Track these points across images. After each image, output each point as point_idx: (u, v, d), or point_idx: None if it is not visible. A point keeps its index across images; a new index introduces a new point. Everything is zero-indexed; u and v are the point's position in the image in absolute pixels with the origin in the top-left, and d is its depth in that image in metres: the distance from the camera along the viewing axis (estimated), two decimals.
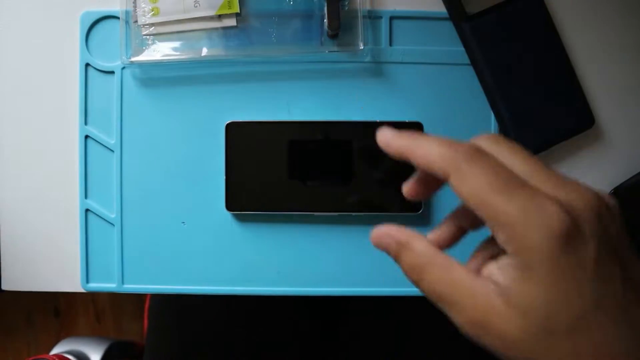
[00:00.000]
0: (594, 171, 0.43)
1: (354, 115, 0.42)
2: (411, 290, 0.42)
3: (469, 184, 0.23)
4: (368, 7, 0.41)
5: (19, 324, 1.08)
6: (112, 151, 0.42)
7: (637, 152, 0.43)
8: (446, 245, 0.28)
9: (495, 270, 0.24)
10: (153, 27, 0.40)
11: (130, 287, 0.42)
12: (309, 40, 0.41)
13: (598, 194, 0.24)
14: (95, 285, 0.42)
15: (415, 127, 0.40)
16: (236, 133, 0.40)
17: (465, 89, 0.42)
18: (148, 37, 0.41)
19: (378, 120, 0.40)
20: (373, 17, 0.41)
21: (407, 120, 0.40)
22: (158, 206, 0.42)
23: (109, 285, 0.42)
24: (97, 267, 0.42)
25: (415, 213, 0.41)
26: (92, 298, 1.09)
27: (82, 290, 0.42)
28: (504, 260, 0.23)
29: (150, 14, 0.40)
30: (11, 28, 0.42)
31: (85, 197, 0.42)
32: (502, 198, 0.22)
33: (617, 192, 0.42)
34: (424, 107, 0.42)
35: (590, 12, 0.42)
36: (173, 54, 0.40)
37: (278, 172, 0.40)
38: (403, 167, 0.40)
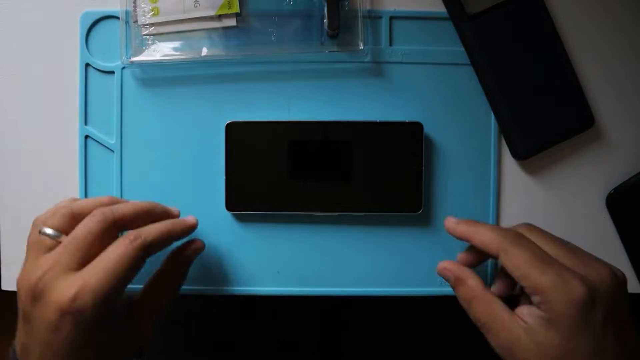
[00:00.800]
0: (594, 171, 0.43)
1: (354, 115, 0.42)
2: (411, 290, 0.42)
3: (514, 261, 0.33)
4: (368, 7, 0.41)
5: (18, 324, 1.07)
6: (112, 151, 0.42)
7: (637, 152, 0.43)
8: (509, 290, 0.37)
9: (527, 314, 0.32)
10: (153, 27, 0.40)
11: (130, 287, 0.42)
12: (309, 40, 0.41)
13: (612, 271, 0.32)
14: None
15: (415, 127, 0.40)
16: (236, 133, 0.40)
17: (465, 89, 0.42)
18: (148, 37, 0.41)
19: (378, 121, 0.40)
20: (373, 17, 0.41)
21: (407, 121, 0.40)
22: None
23: None
24: None
25: (416, 213, 0.41)
26: None
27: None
28: (535, 311, 0.32)
29: (150, 14, 0.40)
30: (11, 28, 0.42)
31: (86, 197, 0.42)
32: (538, 272, 0.32)
33: (617, 192, 0.42)
34: (424, 107, 0.42)
35: (590, 12, 0.42)
36: (173, 54, 0.40)
37: (278, 172, 0.40)
38: (403, 167, 0.40)
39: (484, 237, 0.35)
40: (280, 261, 0.42)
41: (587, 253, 0.34)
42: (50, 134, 0.42)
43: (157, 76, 0.42)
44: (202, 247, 0.39)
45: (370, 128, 0.40)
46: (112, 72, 0.42)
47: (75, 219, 0.34)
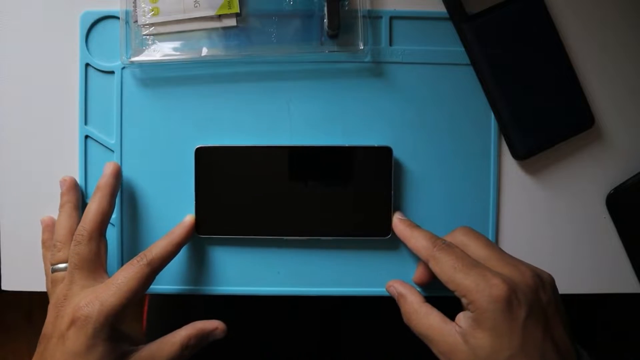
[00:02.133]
0: (595, 170, 0.43)
1: (353, 115, 0.42)
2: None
3: (440, 267, 0.35)
4: (368, 7, 0.41)
5: (18, 324, 1.07)
6: (112, 151, 0.42)
7: (637, 152, 0.43)
8: (428, 279, 0.40)
9: (462, 318, 0.34)
10: (153, 27, 0.40)
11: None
12: (309, 40, 0.41)
13: (536, 272, 0.35)
14: None
15: (385, 151, 0.40)
16: (205, 158, 0.40)
17: (465, 89, 0.42)
18: (148, 37, 0.41)
19: (347, 145, 0.40)
20: (373, 17, 0.41)
21: (377, 145, 0.40)
22: (158, 206, 0.42)
23: None
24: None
25: (384, 237, 0.41)
26: None
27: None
28: (467, 314, 0.34)
29: (150, 14, 0.40)
30: (11, 28, 0.42)
31: (85, 197, 0.42)
32: (462, 275, 0.34)
33: (617, 192, 0.42)
34: (424, 107, 0.42)
35: (590, 12, 0.42)
36: (173, 54, 0.40)
37: (247, 197, 0.40)
38: (372, 193, 0.40)
39: (416, 243, 0.38)
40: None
41: (512, 257, 0.36)
42: (50, 134, 0.42)
43: (157, 76, 0.42)
44: (224, 332, 0.40)
45: (340, 152, 0.40)
46: (112, 72, 0.42)
47: (68, 244, 0.38)
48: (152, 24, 0.40)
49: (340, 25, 0.39)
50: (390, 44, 0.42)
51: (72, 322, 0.34)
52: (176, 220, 0.42)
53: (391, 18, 0.42)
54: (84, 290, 0.36)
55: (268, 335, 0.57)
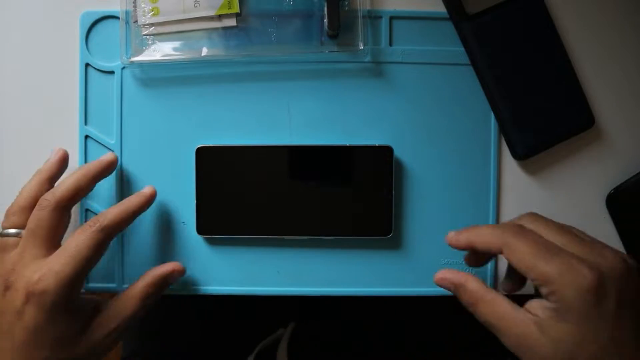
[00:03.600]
0: (595, 170, 0.43)
1: (353, 115, 0.42)
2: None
3: (517, 254, 0.31)
4: (368, 7, 0.41)
5: None
6: (112, 151, 0.42)
7: (637, 152, 0.43)
8: (514, 290, 0.37)
9: (538, 307, 0.31)
10: (153, 27, 0.40)
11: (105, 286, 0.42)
12: (309, 40, 0.41)
13: (621, 256, 0.31)
14: (95, 286, 0.42)
15: (386, 151, 0.40)
16: (206, 158, 0.40)
17: (465, 89, 0.42)
18: (148, 37, 0.41)
19: (348, 145, 0.40)
20: (373, 17, 0.41)
21: (378, 145, 0.40)
22: (158, 206, 0.42)
23: (109, 285, 0.42)
24: (97, 267, 0.42)
25: (386, 237, 0.41)
26: None
27: (82, 291, 0.42)
28: (545, 303, 0.31)
29: (150, 14, 0.40)
30: (11, 28, 0.42)
31: (86, 197, 0.42)
32: (543, 263, 0.30)
33: (617, 192, 0.42)
34: (424, 107, 0.42)
35: (590, 12, 0.42)
36: (173, 54, 0.40)
37: (248, 196, 0.40)
38: (373, 192, 0.40)
39: (484, 238, 0.34)
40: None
41: (595, 239, 0.33)
42: (50, 134, 0.42)
43: (157, 76, 0.42)
44: (182, 272, 0.39)
45: (340, 152, 0.40)
46: (112, 72, 0.42)
47: (27, 210, 0.36)
48: (152, 24, 0.40)
49: (340, 25, 0.39)
50: (390, 44, 0.42)
51: (28, 298, 0.33)
52: (176, 220, 0.42)
53: (391, 18, 0.42)
54: (35, 262, 0.34)
55: (268, 335, 0.57)
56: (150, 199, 0.38)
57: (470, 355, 0.53)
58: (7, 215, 0.37)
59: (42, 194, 0.37)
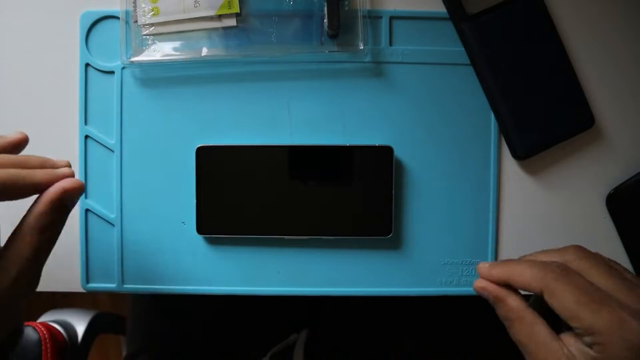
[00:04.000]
0: (594, 170, 0.43)
1: (353, 115, 0.42)
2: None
3: (560, 301, 0.29)
4: (368, 7, 0.41)
5: None
6: (112, 151, 0.42)
7: (637, 152, 0.43)
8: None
9: (574, 346, 0.29)
10: (153, 27, 0.40)
11: (131, 287, 0.42)
12: (308, 40, 0.41)
13: None
14: (95, 286, 0.42)
15: (386, 150, 0.40)
16: (206, 157, 0.40)
17: (465, 89, 0.42)
18: (148, 37, 0.41)
19: (348, 145, 0.40)
20: (373, 17, 0.41)
21: (377, 145, 0.40)
22: (158, 206, 0.42)
23: (109, 285, 0.42)
24: (97, 267, 0.42)
25: (386, 237, 0.41)
26: (92, 298, 1.09)
27: (82, 291, 0.42)
28: (584, 348, 0.29)
29: (150, 14, 0.40)
30: (11, 28, 0.42)
31: (85, 197, 0.42)
32: (589, 312, 0.28)
33: (617, 192, 0.42)
34: (423, 107, 0.42)
35: (589, 12, 0.42)
36: (173, 54, 0.40)
37: (248, 196, 0.40)
38: (373, 192, 0.40)
39: (523, 276, 0.31)
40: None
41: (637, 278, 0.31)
42: (50, 134, 0.42)
43: (157, 76, 0.42)
44: (80, 188, 0.32)
45: (340, 152, 0.40)
46: (112, 72, 0.42)
47: None
48: (152, 24, 0.40)
49: (340, 25, 0.39)
50: (390, 44, 0.42)
51: None
52: (176, 219, 0.42)
53: (391, 18, 0.42)
54: None
55: (268, 334, 0.57)
56: (20, 144, 0.33)
57: (471, 355, 0.53)
58: None
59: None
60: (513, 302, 0.32)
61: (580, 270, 0.31)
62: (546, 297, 0.30)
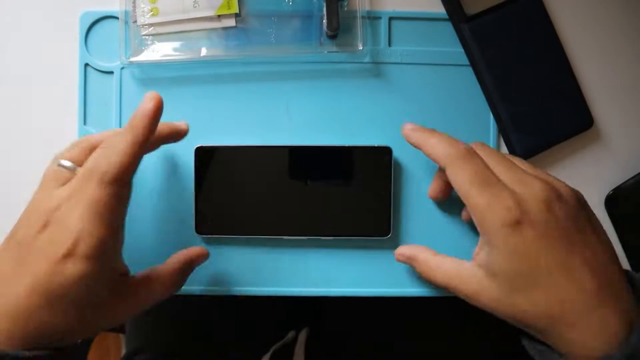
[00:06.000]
0: (594, 171, 0.43)
1: (352, 116, 0.42)
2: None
3: (458, 177, 0.32)
4: (367, 7, 0.41)
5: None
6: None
7: (636, 152, 0.43)
8: (444, 195, 0.38)
9: (481, 255, 0.32)
10: (152, 27, 0.40)
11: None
12: (308, 40, 0.41)
13: (549, 185, 0.31)
14: None
15: (385, 151, 0.40)
16: (205, 158, 0.40)
17: (464, 89, 0.42)
18: (147, 37, 0.41)
19: (347, 145, 0.40)
20: (372, 17, 0.41)
21: (376, 145, 0.40)
22: (158, 206, 0.42)
23: None
24: None
25: (385, 237, 0.41)
26: None
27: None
28: (486, 248, 0.31)
29: (149, 14, 0.40)
30: (11, 28, 0.42)
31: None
32: (476, 192, 0.31)
33: (616, 192, 0.42)
34: (423, 108, 0.42)
35: (589, 12, 0.42)
36: (172, 54, 0.41)
37: (247, 197, 0.40)
38: (372, 192, 0.40)
39: (434, 147, 0.34)
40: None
41: (527, 172, 0.33)
42: (50, 134, 0.42)
43: (156, 76, 0.42)
44: (207, 256, 0.39)
45: (339, 152, 0.40)
46: (112, 72, 0.42)
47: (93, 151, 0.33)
48: (151, 24, 0.40)
49: (339, 25, 0.39)
50: (389, 45, 0.42)
51: (70, 254, 0.29)
52: (176, 219, 0.42)
53: (390, 19, 0.42)
54: (89, 211, 0.29)
55: (268, 333, 0.57)
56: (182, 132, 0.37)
57: (472, 355, 0.54)
58: (71, 146, 0.34)
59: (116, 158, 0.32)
60: (422, 254, 0.36)
61: (482, 156, 0.33)
62: (448, 172, 0.33)
